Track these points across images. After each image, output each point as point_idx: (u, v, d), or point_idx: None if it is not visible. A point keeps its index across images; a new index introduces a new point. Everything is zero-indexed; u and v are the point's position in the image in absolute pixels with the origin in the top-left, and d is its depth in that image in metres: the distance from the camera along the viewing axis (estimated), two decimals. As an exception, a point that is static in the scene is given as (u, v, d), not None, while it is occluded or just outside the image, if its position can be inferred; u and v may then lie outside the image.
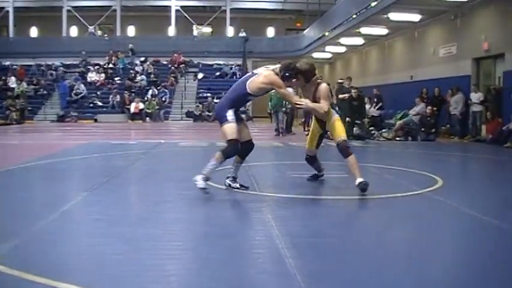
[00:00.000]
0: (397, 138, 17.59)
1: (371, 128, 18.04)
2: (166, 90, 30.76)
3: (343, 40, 27.06)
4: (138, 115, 28.28)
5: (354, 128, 16.90)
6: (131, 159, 11.01)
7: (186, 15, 37.60)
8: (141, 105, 28.52)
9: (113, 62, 33.69)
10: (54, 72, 32.25)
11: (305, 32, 33.80)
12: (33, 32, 39.41)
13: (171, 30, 38.31)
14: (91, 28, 38.08)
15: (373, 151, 14.52)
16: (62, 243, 4.55)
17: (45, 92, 30.62)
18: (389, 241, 4.88)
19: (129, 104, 28.73)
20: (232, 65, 34.38)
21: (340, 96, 17.08)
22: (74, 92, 29.86)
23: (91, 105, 29.63)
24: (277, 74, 6.75)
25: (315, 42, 30.46)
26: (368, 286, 3.64)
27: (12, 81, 30.69)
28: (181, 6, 37.61)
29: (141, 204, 6.71)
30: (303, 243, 4.60)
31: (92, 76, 32.01)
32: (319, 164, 7.94)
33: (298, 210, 6.18)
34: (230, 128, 6.50)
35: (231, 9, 38.16)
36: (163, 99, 30.07)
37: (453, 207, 6.27)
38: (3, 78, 31.14)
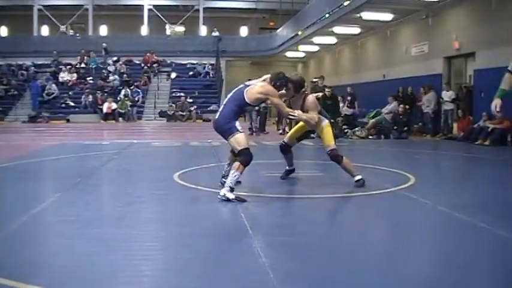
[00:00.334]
0: (370, 137, 17.71)
1: (344, 127, 18.13)
2: (139, 90, 30.54)
3: (316, 39, 27.14)
4: (111, 115, 28.04)
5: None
6: (104, 160, 10.93)
7: (159, 14, 37.41)
8: (114, 105, 28.27)
9: (84, 61, 33.36)
10: (25, 72, 31.82)
11: (278, 31, 33.82)
12: (3, 31, 38.79)
13: (144, 30, 38.07)
14: (63, 27, 37.65)
15: (346, 150, 14.50)
16: (33, 245, 4.49)
17: (16, 92, 30.17)
18: (363, 239, 4.90)
19: (102, 104, 28.46)
20: (206, 64, 34.22)
21: (314, 95, 17.08)
22: (46, 92, 29.50)
23: (63, 105, 29.26)
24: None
25: (288, 41, 30.51)
26: (342, 284, 3.65)
27: (-19, 82, 30.24)
28: (154, 6, 37.39)
29: (114, 204, 6.66)
30: (277, 242, 4.61)
31: (63, 76, 31.61)
32: (291, 157, 8.03)
33: (272, 209, 6.19)
34: (242, 138, 6.68)
35: (204, 8, 38.05)
36: (136, 99, 29.87)
37: (426, 204, 6.33)
38: (-27, 78, 30.66)
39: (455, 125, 17.42)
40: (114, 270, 3.84)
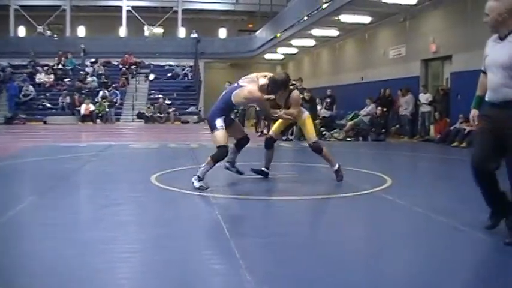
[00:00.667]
0: (348, 139, 17.80)
1: (322, 129, 18.18)
2: (117, 92, 30.36)
3: (295, 41, 27.24)
4: (89, 117, 27.83)
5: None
6: (81, 162, 10.84)
7: (137, 15, 37.28)
8: (92, 107, 28.08)
9: (62, 62, 33.07)
10: (1, 73, 31.44)
11: (257, 33, 33.89)
12: (-21, 31, 38.47)
13: (122, 31, 37.90)
14: (40, 28, 37.37)
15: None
16: (6, 249, 4.44)
17: (-9, 93, 29.88)
18: (341, 240, 4.92)
19: (79, 106, 28.25)
20: (184, 66, 34.17)
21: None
22: (23, 93, 29.20)
23: (40, 107, 28.98)
24: (262, 87, 7.35)
25: (267, 43, 30.58)
26: (320, 285, 3.66)
27: (-44, 83, 29.85)
28: (132, 7, 37.27)
29: (91, 207, 6.60)
30: (254, 244, 4.61)
31: (40, 77, 31.29)
32: (272, 155, 8.29)
33: (250, 211, 6.20)
34: (219, 135, 7.13)
35: (182, 9, 37.99)
36: (114, 100, 29.70)
37: (402, 205, 6.37)
38: None
39: (432, 127, 17.58)
40: (90, 274, 3.80)
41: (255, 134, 19.05)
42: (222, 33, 41.24)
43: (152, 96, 30.92)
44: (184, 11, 38.04)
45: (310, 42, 27.23)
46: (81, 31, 39.36)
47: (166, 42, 36.70)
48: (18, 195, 7.21)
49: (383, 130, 17.95)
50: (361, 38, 23.34)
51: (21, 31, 38.25)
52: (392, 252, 4.59)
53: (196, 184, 6.93)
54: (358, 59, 24.01)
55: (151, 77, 33.13)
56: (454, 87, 16.61)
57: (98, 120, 27.83)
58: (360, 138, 17.84)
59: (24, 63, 32.56)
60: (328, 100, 20.41)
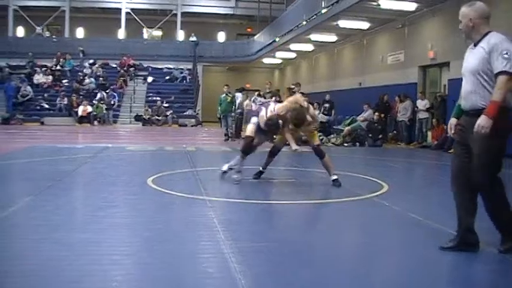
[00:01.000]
0: (345, 144, 17.79)
1: (319, 134, 18.13)
2: (115, 94, 30.36)
3: (293, 46, 27.26)
4: (86, 118, 27.80)
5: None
6: (77, 164, 10.81)
7: (136, 18, 37.28)
8: (89, 109, 28.06)
9: (60, 63, 33.05)
10: (-1, 74, 31.48)
11: (256, 37, 33.92)
12: (-22, 31, 38.45)
13: (121, 33, 37.89)
14: (39, 29, 37.35)
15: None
16: None
17: (-11, 93, 29.82)
18: (335, 245, 4.91)
19: (77, 107, 28.22)
20: (183, 69, 34.19)
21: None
22: (20, 94, 29.16)
23: (37, 107, 28.97)
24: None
25: (266, 47, 30.60)
26: (312, 290, 3.66)
27: (-46, 83, 29.80)
28: (131, 9, 37.27)
29: (85, 209, 6.58)
30: (248, 248, 4.60)
31: (39, 78, 31.27)
32: (271, 161, 8.63)
33: (244, 215, 6.18)
34: (249, 128, 8.28)
35: (182, 13, 38.01)
36: (112, 102, 29.68)
37: (397, 211, 6.37)
38: None
39: (429, 134, 17.58)
40: (81, 275, 3.78)
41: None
42: (221, 37, 41.26)
43: (150, 98, 30.92)
44: (184, 14, 38.06)
45: (309, 47, 27.28)
46: (80, 32, 39.34)
47: (165, 45, 36.74)
48: (13, 196, 7.19)
49: (380, 136, 17.96)
50: (359, 43, 23.37)
51: (20, 31, 38.23)
52: (386, 258, 4.58)
53: (225, 168, 8.16)
54: (356, 64, 24.03)
55: (150, 79, 33.14)
56: (451, 94, 16.60)
57: (96, 122, 27.80)
58: (357, 144, 17.84)
59: (22, 63, 32.54)
60: (326, 105, 20.41)
